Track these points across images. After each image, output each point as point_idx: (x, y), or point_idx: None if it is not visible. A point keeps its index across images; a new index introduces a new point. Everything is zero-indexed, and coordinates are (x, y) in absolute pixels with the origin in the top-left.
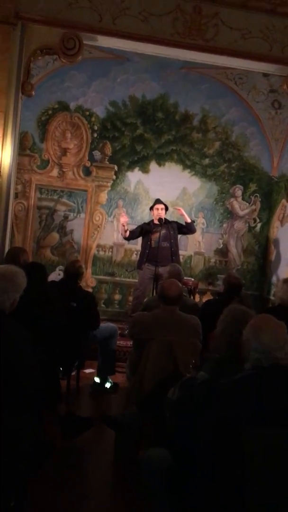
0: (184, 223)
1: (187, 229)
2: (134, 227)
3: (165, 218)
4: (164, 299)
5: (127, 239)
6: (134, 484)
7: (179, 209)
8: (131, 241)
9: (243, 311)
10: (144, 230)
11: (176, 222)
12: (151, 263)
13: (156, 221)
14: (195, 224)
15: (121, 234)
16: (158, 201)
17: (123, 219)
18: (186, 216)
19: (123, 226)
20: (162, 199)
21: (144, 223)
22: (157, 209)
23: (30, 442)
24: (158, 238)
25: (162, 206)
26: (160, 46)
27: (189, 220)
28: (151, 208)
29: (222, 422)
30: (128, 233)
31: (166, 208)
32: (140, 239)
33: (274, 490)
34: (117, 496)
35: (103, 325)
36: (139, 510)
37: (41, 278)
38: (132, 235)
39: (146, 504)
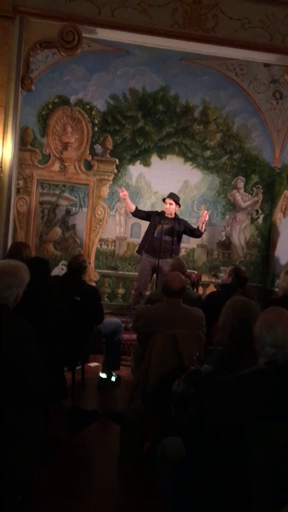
0: (194, 227)
1: (193, 234)
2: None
3: (176, 214)
4: (167, 292)
5: (134, 213)
6: (140, 478)
7: (205, 214)
8: (134, 235)
9: (245, 302)
10: (151, 217)
11: (186, 222)
12: (151, 254)
13: (164, 214)
14: (197, 216)
15: (128, 209)
16: (169, 195)
17: (122, 193)
18: (202, 224)
19: (125, 199)
20: (164, 192)
21: (156, 211)
22: (166, 203)
23: (36, 437)
24: (161, 231)
25: (171, 201)
26: (159, 38)
27: (202, 230)
28: (164, 200)
29: (229, 416)
30: (134, 207)
31: (178, 204)
32: (143, 231)
33: (280, 485)
34: (123, 490)
35: (107, 319)
36: (144, 503)
37: (44, 273)
38: (139, 214)
39: (151, 498)
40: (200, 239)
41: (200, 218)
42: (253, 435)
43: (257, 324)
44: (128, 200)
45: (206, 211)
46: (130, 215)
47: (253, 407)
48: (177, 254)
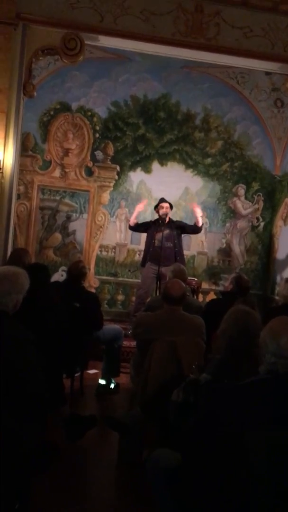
0: (190, 223)
1: (192, 230)
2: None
3: (169, 218)
4: (167, 299)
5: (131, 228)
6: (138, 486)
7: (195, 208)
8: (134, 241)
9: (247, 312)
10: (148, 228)
11: (180, 222)
12: (154, 262)
13: (160, 220)
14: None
15: (130, 220)
16: (163, 200)
17: (140, 206)
18: (199, 217)
19: (139, 211)
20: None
21: (151, 221)
22: (162, 207)
23: (34, 444)
24: (162, 238)
25: (167, 205)
26: (161, 46)
27: (200, 224)
28: (156, 207)
29: (229, 424)
30: (135, 221)
31: (171, 207)
32: (143, 238)
33: (278, 492)
34: (121, 498)
35: (107, 326)
36: (142, 511)
37: (44, 279)
38: (137, 228)
39: (149, 506)
40: (200, 246)
41: (194, 214)
42: (252, 443)
43: (263, 330)
44: (136, 214)
45: (195, 205)
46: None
47: (252, 416)
48: (182, 256)
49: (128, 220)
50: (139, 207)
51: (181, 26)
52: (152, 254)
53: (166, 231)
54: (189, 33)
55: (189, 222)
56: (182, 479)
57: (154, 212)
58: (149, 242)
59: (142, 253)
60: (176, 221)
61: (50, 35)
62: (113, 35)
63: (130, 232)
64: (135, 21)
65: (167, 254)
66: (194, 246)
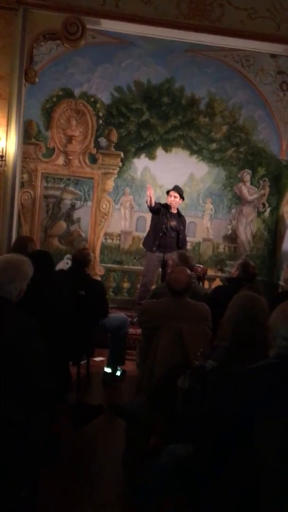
0: (195, 211)
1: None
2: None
3: (178, 210)
4: (171, 292)
5: (152, 209)
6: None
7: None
8: (139, 229)
9: (253, 298)
10: (161, 211)
11: (185, 221)
12: (160, 249)
13: (167, 207)
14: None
15: (147, 202)
16: (174, 188)
17: (150, 191)
18: None
19: (150, 197)
20: (169, 186)
21: (162, 205)
22: (170, 195)
23: (41, 432)
24: (168, 227)
25: (176, 194)
26: (164, 29)
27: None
28: (168, 192)
29: (237, 411)
30: (154, 202)
31: (182, 198)
32: (147, 226)
33: None
34: (128, 485)
35: (113, 315)
36: None
37: (48, 266)
38: (158, 208)
39: None
40: (205, 232)
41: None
42: (261, 430)
43: (273, 313)
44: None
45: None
46: (136, 208)
47: (262, 400)
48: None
49: (132, 207)
50: (151, 191)
51: (184, 8)
52: (160, 239)
53: (174, 222)
54: (192, 15)
55: (194, 209)
56: (192, 467)
57: (159, 197)
58: (159, 228)
59: (149, 234)
60: (183, 217)
61: (51, 20)
62: (115, 19)
63: (135, 219)
64: (137, 3)
65: (170, 243)
66: (199, 233)
